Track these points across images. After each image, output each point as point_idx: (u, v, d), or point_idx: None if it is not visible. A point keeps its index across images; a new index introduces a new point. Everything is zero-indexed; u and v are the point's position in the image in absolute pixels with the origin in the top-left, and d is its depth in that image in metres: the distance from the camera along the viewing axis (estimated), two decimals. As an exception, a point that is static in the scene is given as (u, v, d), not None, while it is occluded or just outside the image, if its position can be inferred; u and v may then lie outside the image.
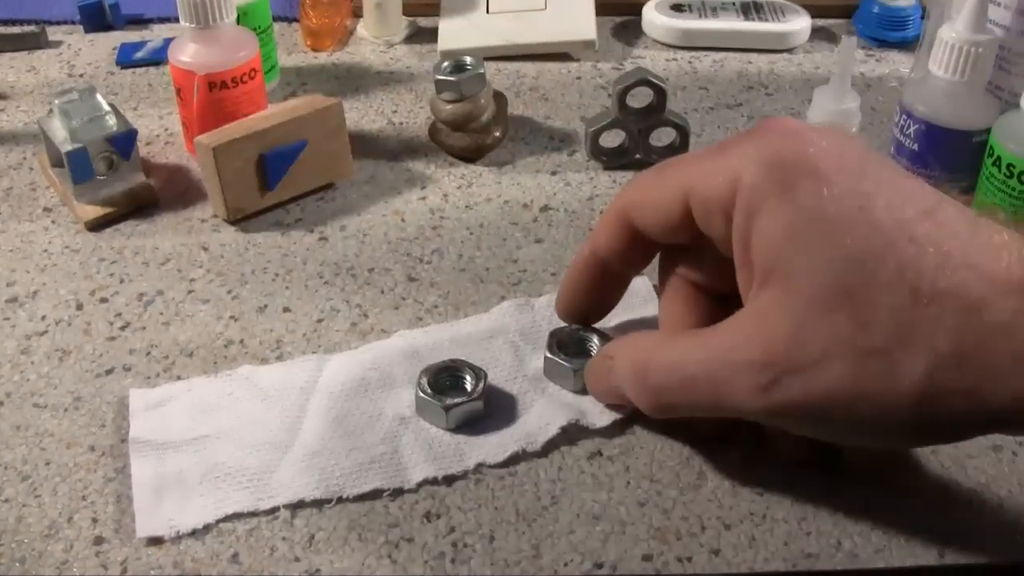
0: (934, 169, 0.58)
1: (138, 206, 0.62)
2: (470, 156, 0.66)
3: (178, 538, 0.42)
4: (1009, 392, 0.34)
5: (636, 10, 0.84)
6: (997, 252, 0.35)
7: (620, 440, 0.47)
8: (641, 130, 0.64)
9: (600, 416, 0.47)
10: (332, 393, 0.48)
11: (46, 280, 0.56)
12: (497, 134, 0.66)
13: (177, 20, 0.83)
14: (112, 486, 0.44)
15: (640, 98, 0.64)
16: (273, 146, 0.59)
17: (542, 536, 0.42)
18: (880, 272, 0.35)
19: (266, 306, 0.54)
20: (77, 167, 0.60)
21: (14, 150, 0.68)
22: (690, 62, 0.79)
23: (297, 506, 0.43)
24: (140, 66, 0.78)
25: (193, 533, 0.42)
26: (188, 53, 0.62)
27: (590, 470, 0.45)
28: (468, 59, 0.65)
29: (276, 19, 0.76)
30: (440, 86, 0.64)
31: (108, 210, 0.61)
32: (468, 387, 0.47)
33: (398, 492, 0.44)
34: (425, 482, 0.44)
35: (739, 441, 0.46)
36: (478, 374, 0.47)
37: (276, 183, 0.60)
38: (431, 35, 0.81)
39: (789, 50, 0.81)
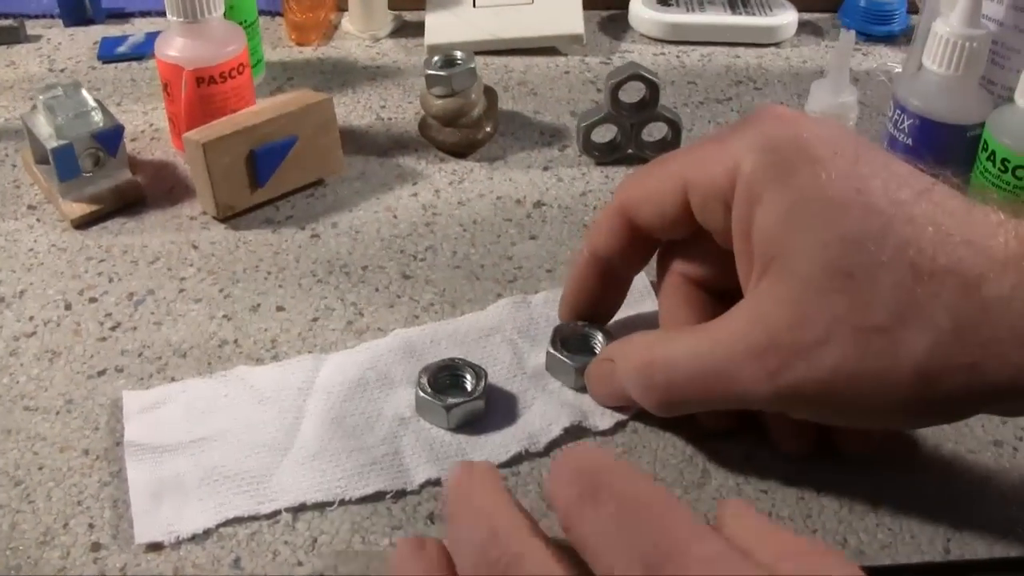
0: (929, 164, 0.58)
1: (125, 203, 0.61)
2: (461, 151, 0.65)
3: (178, 543, 0.41)
4: (1009, 366, 0.34)
5: (622, 4, 0.84)
6: (994, 230, 0.35)
7: (622, 439, 0.46)
8: (633, 125, 0.64)
9: (602, 418, 0.47)
10: (330, 393, 0.48)
11: (33, 280, 0.55)
12: (488, 129, 0.66)
13: (158, 14, 0.83)
14: (108, 490, 0.44)
15: (631, 93, 0.63)
16: (263, 142, 0.58)
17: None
18: (880, 252, 0.35)
19: (259, 305, 0.54)
20: (63, 164, 0.59)
21: (-4, 147, 0.67)
22: (678, 56, 0.79)
23: (299, 509, 0.43)
24: (122, 61, 0.77)
25: (193, 538, 0.41)
26: (175, 47, 0.61)
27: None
28: (459, 54, 0.64)
29: (260, 13, 0.75)
30: (431, 81, 0.64)
31: (95, 207, 0.60)
32: (468, 386, 0.47)
33: (400, 494, 0.43)
34: (428, 483, 0.44)
35: (744, 438, 0.46)
36: (478, 373, 0.47)
37: (266, 180, 0.59)
38: (417, 29, 0.81)
39: (776, 44, 0.81)
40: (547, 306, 0.52)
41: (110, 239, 0.58)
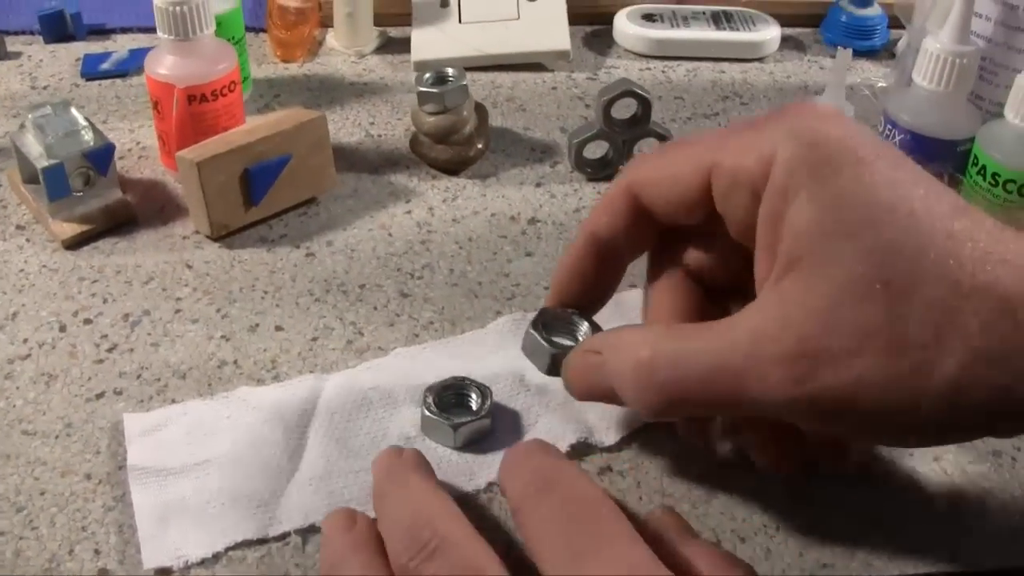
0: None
1: (116, 223, 0.60)
2: (453, 168, 0.65)
3: (187, 568, 0.41)
4: None
5: (606, 19, 0.84)
6: None
7: (629, 454, 0.46)
8: (625, 141, 0.64)
9: (607, 433, 0.47)
10: (334, 414, 0.47)
11: (25, 301, 0.55)
12: (480, 146, 0.66)
13: (140, 30, 0.83)
14: (113, 515, 0.43)
15: (623, 109, 0.64)
16: (257, 160, 0.58)
17: (559, 555, 0.42)
18: (920, 264, 0.34)
19: (258, 325, 0.53)
20: (53, 184, 0.58)
21: (-21, 166, 0.66)
22: (664, 71, 0.79)
23: (308, 531, 0.42)
24: (106, 78, 0.76)
25: (202, 562, 0.41)
26: (166, 65, 0.61)
27: (602, 486, 0.45)
28: (450, 71, 0.65)
29: (245, 29, 0.74)
30: (423, 98, 0.64)
31: (85, 227, 0.59)
32: (474, 405, 0.47)
33: (410, 514, 0.43)
34: (437, 503, 0.44)
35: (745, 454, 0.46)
36: (483, 391, 0.47)
37: (260, 198, 0.59)
38: (402, 45, 0.81)
39: (760, 59, 0.81)
40: (547, 323, 0.52)
41: (102, 259, 0.58)
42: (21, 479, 0.45)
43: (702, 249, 0.45)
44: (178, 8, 0.59)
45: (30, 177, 0.61)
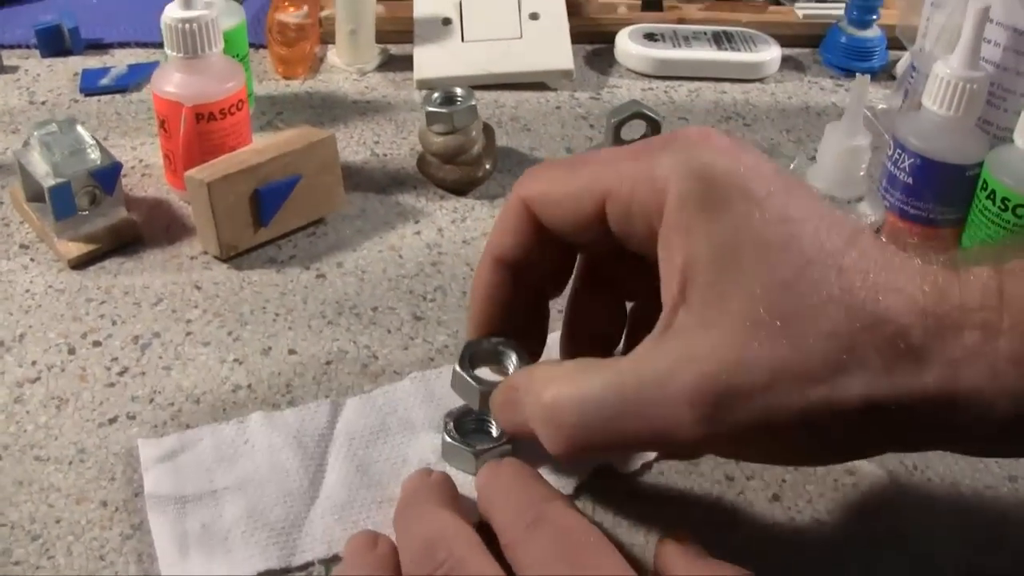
0: (928, 202, 0.59)
1: (122, 242, 0.59)
2: (461, 189, 0.65)
3: (210, 599, 0.40)
4: (933, 416, 0.35)
5: (607, 38, 0.84)
6: (913, 276, 0.35)
7: (650, 481, 0.46)
8: (634, 162, 0.64)
9: (629, 460, 0.47)
10: (352, 440, 0.47)
11: (32, 322, 0.54)
12: (488, 166, 0.65)
13: (138, 45, 0.82)
14: (131, 544, 0.42)
15: (631, 130, 0.64)
16: (267, 180, 0.57)
17: (586, 584, 0.41)
18: (814, 301, 0.35)
19: (270, 348, 0.53)
20: (59, 203, 0.57)
21: (-21, 183, 0.65)
22: (666, 91, 0.80)
23: (331, 560, 0.42)
24: (105, 93, 0.75)
25: (226, 593, 0.41)
26: (174, 83, 0.60)
27: (624, 513, 0.45)
28: (458, 90, 0.64)
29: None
30: (431, 118, 0.63)
31: (92, 247, 0.58)
32: (494, 431, 0.46)
33: (434, 543, 0.43)
34: (460, 531, 0.43)
35: (771, 479, 0.46)
36: (503, 417, 0.46)
37: (270, 219, 0.58)
38: (404, 63, 0.80)
39: (761, 79, 0.82)
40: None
41: (109, 280, 0.57)
42: (35, 506, 0.44)
43: (611, 262, 0.44)
44: (187, 25, 0.59)
45: (34, 195, 0.60)
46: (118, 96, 0.75)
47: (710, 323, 0.36)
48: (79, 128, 0.59)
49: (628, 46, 0.81)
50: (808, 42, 0.87)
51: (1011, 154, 0.56)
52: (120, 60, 0.80)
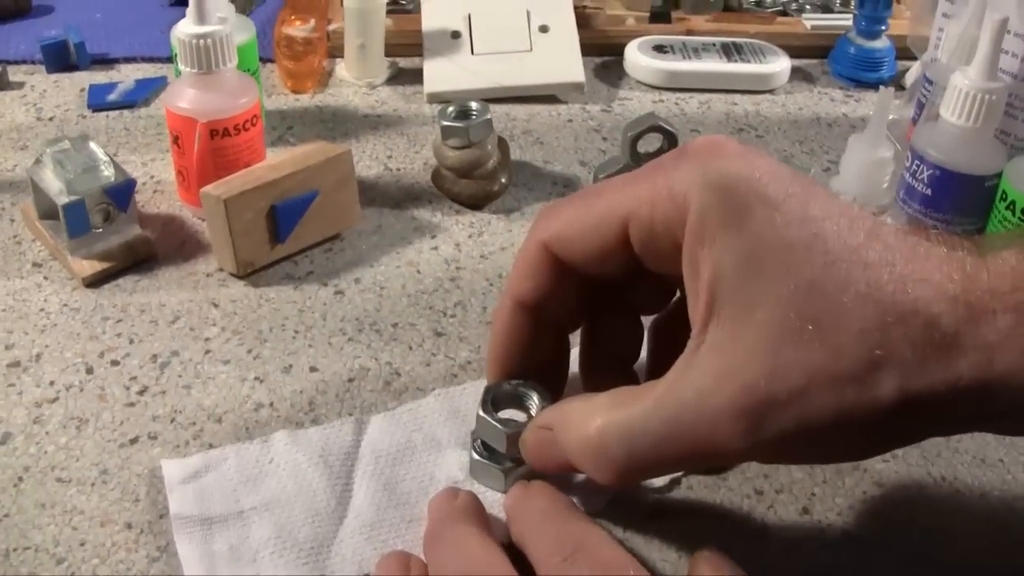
0: (947, 213, 0.59)
1: (136, 260, 0.59)
2: (476, 203, 0.65)
3: (241, 622, 0.40)
4: (971, 401, 0.35)
5: (616, 50, 0.84)
6: (940, 264, 0.35)
7: (678, 496, 0.46)
8: (650, 175, 0.64)
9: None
10: (379, 458, 0.46)
11: (48, 342, 0.53)
12: (503, 180, 0.65)
13: (144, 60, 0.81)
14: (158, 566, 0.42)
15: (647, 143, 0.63)
16: (284, 197, 0.57)
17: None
18: (844, 299, 0.35)
19: (291, 366, 0.52)
20: (74, 220, 0.57)
21: (-11, 200, 0.65)
22: (677, 103, 0.79)
23: (362, 581, 0.41)
24: (113, 109, 0.75)
25: (257, 616, 0.40)
26: (187, 99, 0.60)
27: (654, 529, 0.44)
28: (473, 104, 0.64)
29: (257, 61, 0.73)
30: (446, 132, 0.63)
31: (106, 265, 0.58)
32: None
33: (465, 562, 0.42)
34: (490, 549, 0.43)
35: (800, 492, 0.46)
36: (531, 434, 0.46)
37: (287, 235, 0.58)
38: (413, 76, 0.80)
39: (771, 91, 0.82)
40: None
41: (125, 298, 0.57)
42: (59, 529, 0.43)
43: (632, 292, 0.45)
44: (201, 41, 0.58)
45: (46, 213, 0.59)
46: (126, 112, 0.75)
47: (742, 334, 0.36)
48: (92, 145, 0.58)
49: (638, 58, 0.81)
50: (816, 53, 0.87)
51: (1031, 164, 0.56)
52: (126, 75, 0.80)
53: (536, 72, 0.77)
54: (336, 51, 0.82)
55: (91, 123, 0.73)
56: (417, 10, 0.84)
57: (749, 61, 0.81)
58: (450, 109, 0.64)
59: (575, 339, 0.47)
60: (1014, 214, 0.56)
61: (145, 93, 0.76)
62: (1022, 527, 0.45)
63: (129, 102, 0.75)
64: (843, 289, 0.35)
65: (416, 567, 0.40)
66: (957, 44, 0.62)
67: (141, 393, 0.50)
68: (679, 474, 0.46)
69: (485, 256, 0.61)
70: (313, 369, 0.52)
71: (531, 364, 0.46)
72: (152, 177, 0.67)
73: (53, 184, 0.57)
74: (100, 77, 0.79)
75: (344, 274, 0.59)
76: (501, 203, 0.66)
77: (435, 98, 0.77)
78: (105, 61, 0.81)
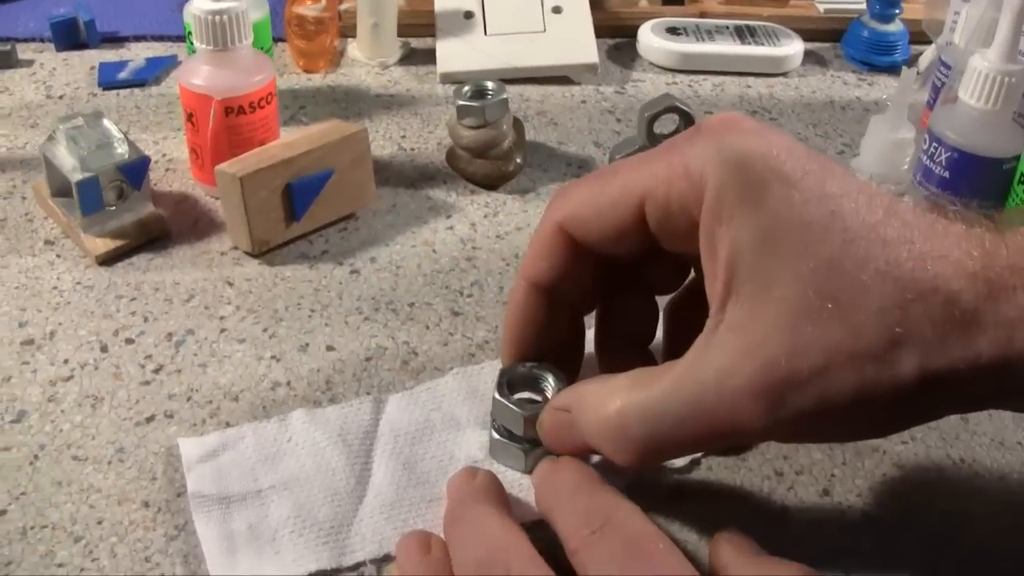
0: (965, 196, 0.59)
1: (149, 238, 0.58)
2: (492, 183, 0.64)
3: (261, 600, 0.39)
4: (991, 379, 0.35)
5: (629, 32, 0.83)
6: (959, 241, 0.35)
7: (698, 477, 0.46)
8: (666, 156, 0.63)
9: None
10: (397, 437, 0.46)
11: (62, 320, 0.53)
12: (518, 160, 0.65)
13: (153, 38, 0.81)
14: (176, 545, 0.42)
15: (663, 124, 0.63)
16: (300, 175, 0.56)
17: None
18: (863, 277, 0.34)
19: (307, 344, 0.52)
20: (87, 198, 0.56)
21: (0, 178, 0.64)
22: (690, 86, 0.79)
23: (383, 560, 0.41)
24: (124, 87, 0.74)
25: (277, 594, 0.40)
26: (202, 76, 0.59)
27: (674, 511, 0.44)
28: (489, 84, 0.63)
29: (269, 39, 0.73)
30: (462, 112, 0.63)
31: (119, 243, 0.57)
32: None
33: (485, 541, 0.42)
34: (511, 528, 0.42)
35: (820, 475, 0.45)
36: (551, 414, 0.46)
37: (302, 214, 0.57)
38: (426, 56, 0.80)
39: (784, 74, 0.81)
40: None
41: (139, 276, 0.56)
42: (76, 507, 0.43)
43: (648, 272, 0.44)
44: (218, 18, 0.58)
45: (59, 190, 0.59)
46: (137, 90, 0.74)
47: (761, 313, 0.35)
48: (106, 122, 0.58)
49: (651, 40, 0.81)
50: (829, 36, 0.86)
51: (1050, 147, 0.56)
52: (136, 53, 0.79)
53: (549, 53, 0.77)
54: (348, 31, 0.81)
55: (102, 101, 0.73)
56: (430, -10, 0.83)
57: (762, 44, 0.81)
58: (466, 88, 0.63)
59: (589, 321, 0.47)
60: (1033, 197, 0.56)
61: (156, 71, 0.76)
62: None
63: (140, 80, 0.75)
64: (862, 267, 0.34)
65: (437, 547, 0.40)
66: (976, 27, 0.62)
67: (156, 371, 0.50)
68: (698, 455, 0.46)
69: (501, 236, 0.60)
70: (330, 348, 0.52)
71: (546, 346, 0.45)
72: (164, 156, 0.67)
73: (67, 161, 0.57)
74: (110, 55, 0.79)
75: (359, 253, 0.58)
76: (516, 183, 0.65)
77: (448, 78, 0.76)
78: (115, 39, 0.81)
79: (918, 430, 0.48)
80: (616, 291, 0.46)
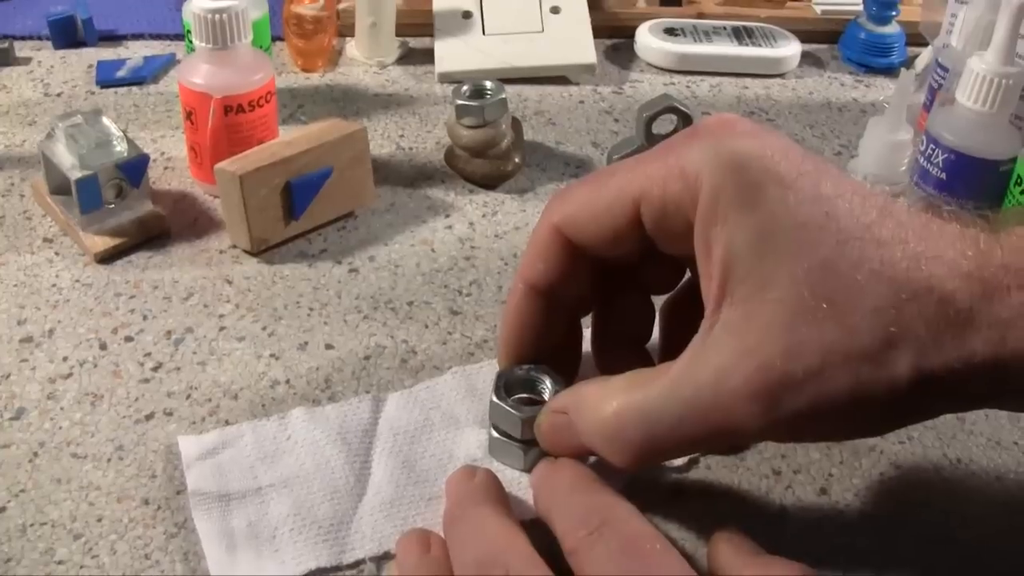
0: (961, 197, 0.59)
1: (148, 236, 0.59)
2: (490, 183, 0.64)
3: (261, 598, 0.40)
4: (987, 379, 0.35)
5: (627, 33, 0.84)
6: (953, 242, 0.35)
7: (697, 476, 0.46)
8: (664, 157, 0.63)
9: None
10: (396, 435, 0.46)
11: (60, 317, 0.53)
12: (517, 160, 0.65)
13: (152, 37, 0.81)
14: (176, 542, 0.42)
15: (662, 125, 0.63)
16: (299, 173, 0.57)
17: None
18: (857, 277, 0.35)
19: (307, 343, 0.52)
20: (86, 196, 0.56)
21: (-2, 175, 0.64)
22: (688, 86, 0.79)
23: (383, 558, 0.41)
24: (122, 85, 0.74)
25: (277, 592, 0.40)
26: (201, 75, 0.59)
27: (674, 509, 0.44)
28: (488, 83, 0.64)
29: (267, 38, 0.73)
30: (461, 111, 0.63)
31: (118, 241, 0.57)
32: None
33: (484, 539, 0.42)
34: (510, 527, 0.43)
35: (818, 474, 0.46)
36: (550, 412, 0.46)
37: (301, 212, 0.58)
38: (424, 56, 0.80)
39: (781, 75, 0.81)
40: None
41: (137, 274, 0.56)
42: (75, 504, 0.43)
43: (644, 273, 0.45)
44: (217, 16, 0.58)
45: (58, 188, 0.59)
46: (135, 88, 0.74)
47: (756, 314, 0.35)
48: (104, 120, 0.58)
49: (649, 40, 0.81)
50: (826, 38, 0.86)
51: (1046, 149, 0.56)
52: (134, 52, 0.79)
53: (547, 53, 0.77)
54: (346, 30, 0.81)
55: (100, 99, 0.73)
56: (428, -10, 0.83)
57: (760, 45, 0.81)
58: (464, 88, 0.63)
59: (586, 322, 0.47)
60: (1030, 199, 0.56)
61: (154, 70, 0.76)
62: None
63: (138, 79, 0.75)
64: (857, 267, 0.35)
65: (436, 546, 0.40)
66: (973, 29, 0.62)
67: (156, 369, 0.50)
68: (696, 455, 0.46)
69: (499, 236, 0.61)
70: (329, 347, 0.52)
71: (543, 348, 0.45)
72: (163, 154, 0.67)
73: (65, 158, 0.57)
74: (107, 53, 0.79)
75: (358, 252, 0.59)
76: (514, 183, 0.65)
77: (447, 78, 0.76)
78: (113, 37, 0.81)
79: (915, 430, 0.48)
80: (613, 292, 0.46)
